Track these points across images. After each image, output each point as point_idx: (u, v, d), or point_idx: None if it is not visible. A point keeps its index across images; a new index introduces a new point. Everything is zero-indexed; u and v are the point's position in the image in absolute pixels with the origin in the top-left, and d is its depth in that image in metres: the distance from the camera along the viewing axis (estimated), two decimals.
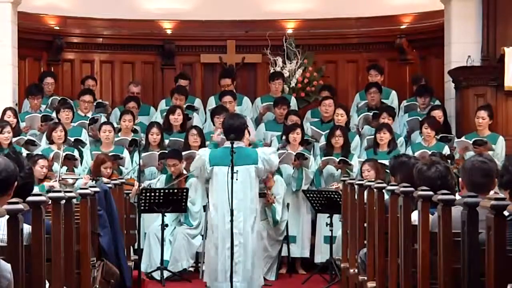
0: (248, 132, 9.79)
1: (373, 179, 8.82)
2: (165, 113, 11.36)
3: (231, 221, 7.70)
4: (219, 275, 7.89)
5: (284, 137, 10.62)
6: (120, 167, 10.18)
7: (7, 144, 10.01)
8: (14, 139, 10.22)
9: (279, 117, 11.27)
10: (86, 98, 11.48)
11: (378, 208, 6.20)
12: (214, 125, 10.91)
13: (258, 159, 8.04)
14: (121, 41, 13.24)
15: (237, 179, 7.70)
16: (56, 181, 9.34)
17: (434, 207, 4.82)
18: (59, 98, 11.70)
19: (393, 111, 11.11)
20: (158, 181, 10.07)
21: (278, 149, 10.57)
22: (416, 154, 9.76)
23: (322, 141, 10.72)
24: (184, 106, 11.52)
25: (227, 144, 7.94)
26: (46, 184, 9.23)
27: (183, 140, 10.55)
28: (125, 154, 10.39)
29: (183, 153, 10.07)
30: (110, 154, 10.00)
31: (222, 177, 7.83)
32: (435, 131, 10.41)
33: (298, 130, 10.41)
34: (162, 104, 12.10)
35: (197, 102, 12.14)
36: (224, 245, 7.86)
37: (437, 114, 10.79)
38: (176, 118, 10.94)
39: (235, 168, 7.73)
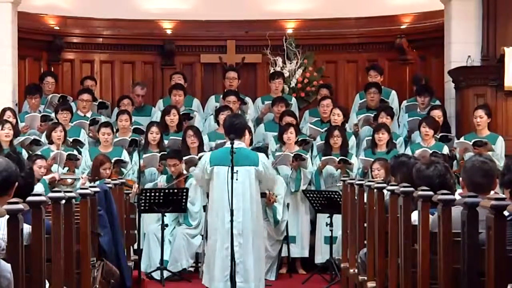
0: (249, 132, 9.82)
1: (382, 178, 8.87)
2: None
3: (231, 221, 7.69)
4: (218, 275, 7.87)
5: (279, 138, 10.60)
6: (122, 169, 10.17)
7: (7, 142, 10.01)
8: (20, 139, 10.23)
9: (277, 116, 11.26)
10: (84, 97, 11.46)
11: (378, 208, 6.20)
12: (218, 124, 10.89)
13: (259, 162, 8.02)
14: (121, 41, 13.24)
15: (237, 179, 7.70)
16: (56, 172, 9.35)
17: (434, 207, 4.82)
18: (58, 96, 11.70)
19: (391, 111, 11.10)
20: (159, 183, 10.07)
21: (276, 150, 10.58)
22: (417, 152, 9.76)
23: (319, 139, 10.73)
24: (182, 108, 11.51)
25: (228, 144, 7.94)
26: (47, 177, 9.24)
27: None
28: (126, 156, 10.35)
29: (184, 158, 10.05)
30: (115, 158, 9.96)
31: (222, 177, 7.82)
32: (433, 130, 10.41)
33: (291, 129, 10.39)
34: (160, 104, 12.09)
35: (195, 104, 12.11)
36: (223, 245, 7.85)
37: (437, 114, 10.78)
38: (172, 119, 10.92)
39: (235, 168, 7.72)
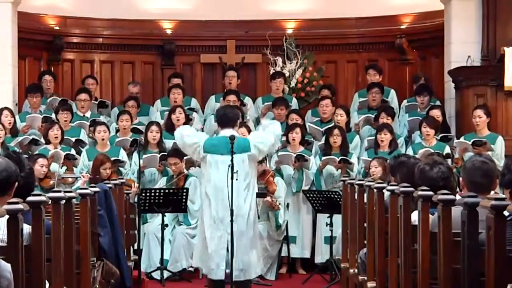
0: (249, 131, 9.81)
1: (380, 176, 8.90)
2: (165, 113, 11.34)
3: (231, 221, 7.67)
4: (212, 263, 7.80)
5: (284, 138, 10.60)
6: (120, 168, 10.16)
7: None
8: (18, 139, 10.23)
9: (277, 117, 11.27)
10: (82, 97, 11.45)
11: (378, 208, 6.20)
12: None
13: (250, 146, 7.97)
14: (121, 41, 13.24)
15: (237, 179, 7.68)
16: (55, 181, 9.35)
17: (434, 207, 4.82)
18: (59, 99, 11.69)
19: (392, 111, 11.09)
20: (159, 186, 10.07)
21: (278, 149, 10.58)
22: (420, 152, 9.76)
23: (323, 139, 10.73)
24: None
25: (223, 133, 7.91)
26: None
27: None
28: (124, 156, 10.32)
29: (185, 157, 10.04)
30: (112, 158, 9.94)
31: (215, 166, 7.78)
32: (434, 130, 10.41)
33: (297, 130, 10.40)
34: (158, 104, 12.09)
35: (194, 103, 12.12)
36: (218, 232, 7.77)
37: (435, 113, 10.78)
38: (178, 117, 10.91)
39: (235, 168, 7.71)
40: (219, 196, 7.74)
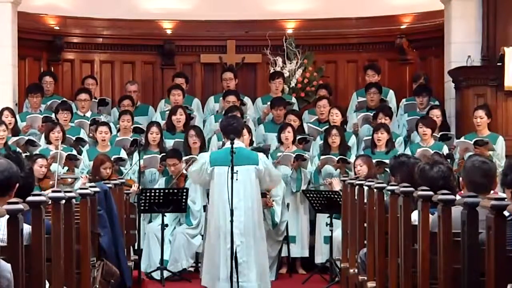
0: (249, 132, 9.83)
1: (365, 174, 8.93)
2: (166, 114, 11.34)
3: (231, 221, 7.70)
4: (221, 275, 7.89)
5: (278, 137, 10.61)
6: (121, 168, 10.16)
7: (1, 144, 10.00)
8: (14, 139, 10.22)
9: (276, 118, 11.27)
10: (82, 97, 11.45)
11: (378, 208, 6.21)
12: None
13: (258, 161, 8.06)
14: (121, 41, 13.24)
15: (237, 179, 7.71)
16: (55, 182, 9.35)
17: (434, 207, 4.82)
18: (59, 102, 11.68)
19: (389, 111, 11.08)
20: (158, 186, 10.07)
21: (276, 148, 10.59)
22: (418, 151, 9.77)
23: (319, 139, 10.74)
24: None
25: (228, 144, 7.97)
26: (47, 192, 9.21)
27: None
28: (124, 156, 10.32)
29: (184, 158, 10.05)
30: (114, 156, 9.94)
31: (223, 177, 7.84)
32: (431, 129, 10.40)
33: (289, 129, 10.39)
34: (162, 104, 12.09)
35: (195, 103, 12.11)
36: (226, 245, 7.87)
37: (435, 113, 10.79)
38: (179, 118, 10.91)
39: (235, 168, 7.75)
40: (226, 206, 7.79)
